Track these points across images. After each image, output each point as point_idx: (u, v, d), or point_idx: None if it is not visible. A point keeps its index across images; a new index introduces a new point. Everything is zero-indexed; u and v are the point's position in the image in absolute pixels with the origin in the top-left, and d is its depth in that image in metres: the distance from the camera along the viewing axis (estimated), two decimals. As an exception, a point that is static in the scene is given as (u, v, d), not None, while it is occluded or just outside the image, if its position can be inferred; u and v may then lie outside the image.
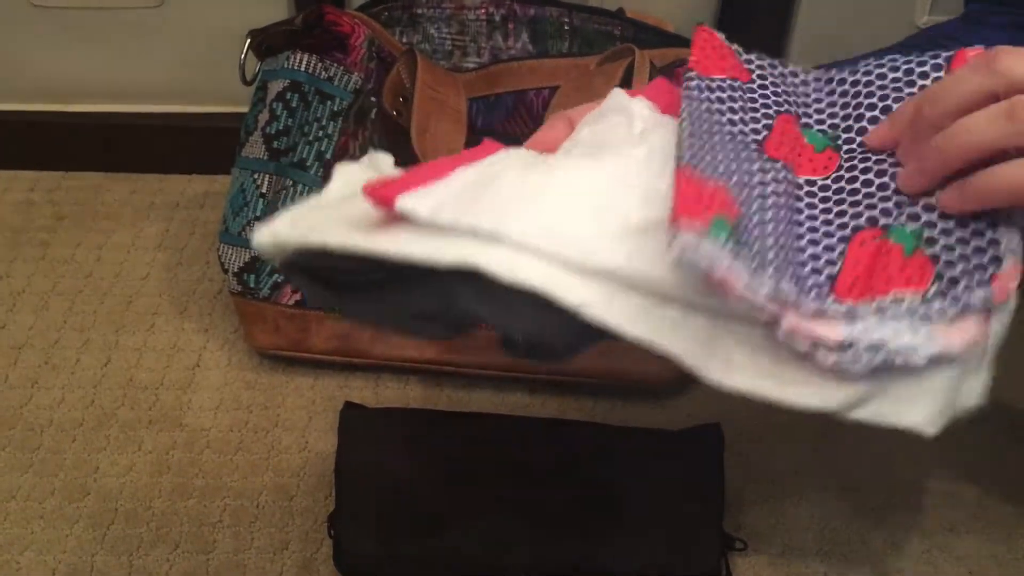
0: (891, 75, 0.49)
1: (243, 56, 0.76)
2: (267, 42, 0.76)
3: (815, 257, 0.45)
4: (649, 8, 0.85)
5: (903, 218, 0.45)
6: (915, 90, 0.48)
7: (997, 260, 0.43)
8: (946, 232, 0.44)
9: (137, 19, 0.91)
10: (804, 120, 0.50)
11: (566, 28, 0.83)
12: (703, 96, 0.48)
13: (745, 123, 0.49)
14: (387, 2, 0.83)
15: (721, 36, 0.52)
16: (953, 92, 0.43)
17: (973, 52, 0.48)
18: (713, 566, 0.64)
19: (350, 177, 0.51)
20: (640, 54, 0.74)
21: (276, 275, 0.75)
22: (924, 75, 0.48)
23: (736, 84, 0.50)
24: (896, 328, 0.42)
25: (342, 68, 0.76)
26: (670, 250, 0.42)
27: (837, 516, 0.70)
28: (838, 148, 0.49)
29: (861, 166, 0.48)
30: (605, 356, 0.75)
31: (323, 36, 0.76)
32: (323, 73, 0.76)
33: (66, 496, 0.70)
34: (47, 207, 0.94)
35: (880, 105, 0.49)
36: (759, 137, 0.49)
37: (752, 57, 0.52)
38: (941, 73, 0.48)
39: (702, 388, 0.79)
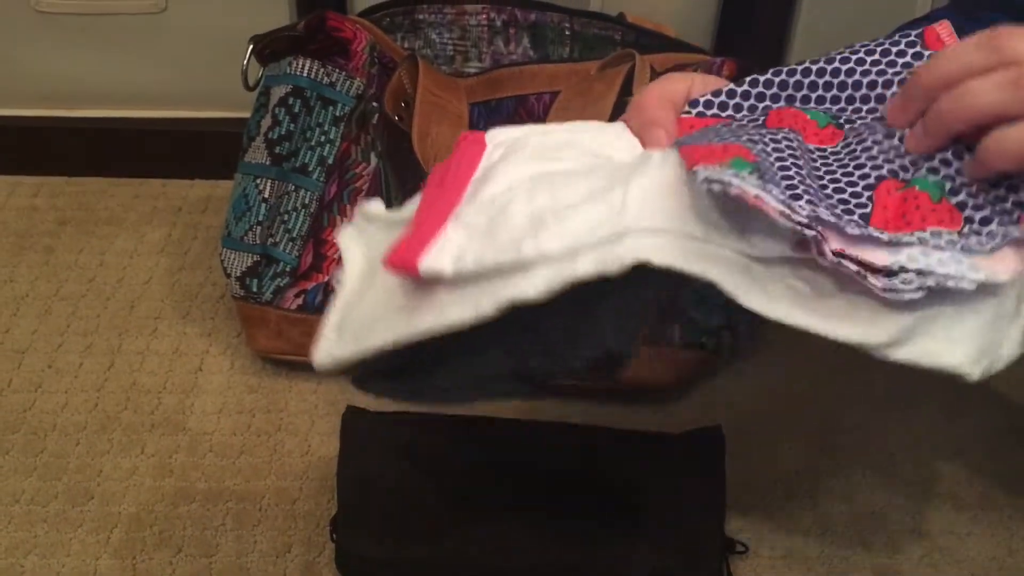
0: (869, 58, 0.50)
1: (245, 62, 0.76)
2: (269, 48, 0.77)
3: (843, 202, 0.45)
4: (650, 13, 0.85)
5: (923, 171, 0.46)
6: (898, 68, 0.49)
7: (1021, 204, 0.43)
8: (967, 184, 0.45)
9: (140, 25, 0.92)
10: (800, 104, 0.50)
11: (567, 33, 0.83)
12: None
13: (742, 121, 0.50)
14: (389, 8, 0.83)
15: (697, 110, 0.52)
16: (956, 62, 0.43)
17: (940, 27, 0.48)
18: (714, 569, 0.64)
19: (355, 249, 0.51)
20: (641, 59, 0.74)
21: (278, 279, 0.76)
22: (901, 53, 0.49)
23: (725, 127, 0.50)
24: (940, 257, 0.43)
25: (344, 73, 0.77)
26: (698, 188, 0.42)
27: (838, 519, 0.70)
28: (840, 126, 0.49)
29: (870, 137, 0.48)
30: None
31: (325, 42, 0.77)
32: (325, 78, 0.76)
33: (69, 500, 0.70)
34: (50, 212, 0.94)
35: (865, 82, 0.49)
36: (758, 122, 0.49)
37: (731, 103, 0.52)
38: (917, 48, 0.48)
39: (703, 391, 0.80)
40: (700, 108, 0.51)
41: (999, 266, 0.43)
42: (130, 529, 0.69)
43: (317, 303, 0.75)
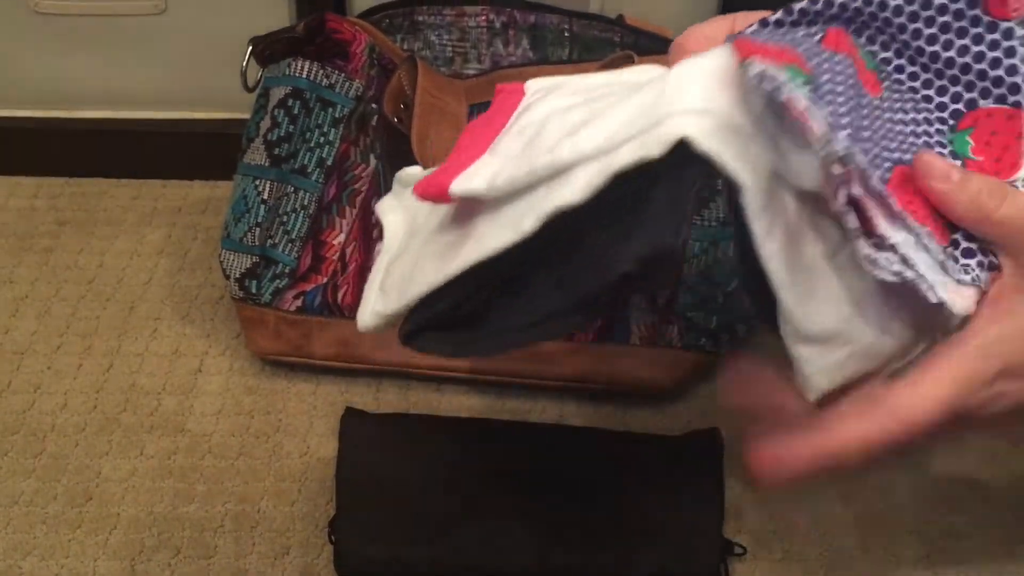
0: (924, 13, 0.46)
1: (245, 63, 0.76)
2: (269, 49, 0.77)
3: (875, 155, 0.44)
4: (649, 15, 0.85)
5: None
6: (951, 35, 0.45)
7: (995, 264, 0.43)
8: None
9: (139, 26, 0.92)
10: (855, 40, 0.47)
11: (566, 35, 0.83)
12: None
13: (797, 31, 0.46)
14: (388, 9, 0.83)
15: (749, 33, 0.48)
16: None
17: None
18: (713, 571, 0.65)
19: (393, 216, 0.50)
20: (639, 61, 0.74)
21: (277, 281, 0.76)
22: (960, 14, 0.45)
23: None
24: (926, 260, 0.42)
25: (343, 75, 0.77)
26: (748, 82, 0.39)
27: (837, 521, 0.70)
28: (881, 78, 0.47)
29: (900, 111, 0.46)
30: (605, 362, 0.75)
31: (324, 43, 0.77)
32: (324, 80, 0.76)
33: (68, 501, 0.70)
34: (50, 213, 0.94)
35: (919, 41, 0.46)
36: (815, 38, 0.46)
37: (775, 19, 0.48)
38: (977, 11, 0.45)
39: (702, 393, 0.80)
40: (756, 27, 0.48)
41: (960, 301, 0.43)
42: (129, 530, 0.69)
43: (316, 305, 0.75)
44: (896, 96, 0.47)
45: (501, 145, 0.44)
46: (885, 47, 0.48)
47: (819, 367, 0.45)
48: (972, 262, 0.44)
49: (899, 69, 0.48)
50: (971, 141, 0.46)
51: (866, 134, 0.44)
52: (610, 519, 0.65)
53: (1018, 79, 0.45)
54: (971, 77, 0.46)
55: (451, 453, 0.69)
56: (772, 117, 0.41)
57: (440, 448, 0.69)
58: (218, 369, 0.80)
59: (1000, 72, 0.45)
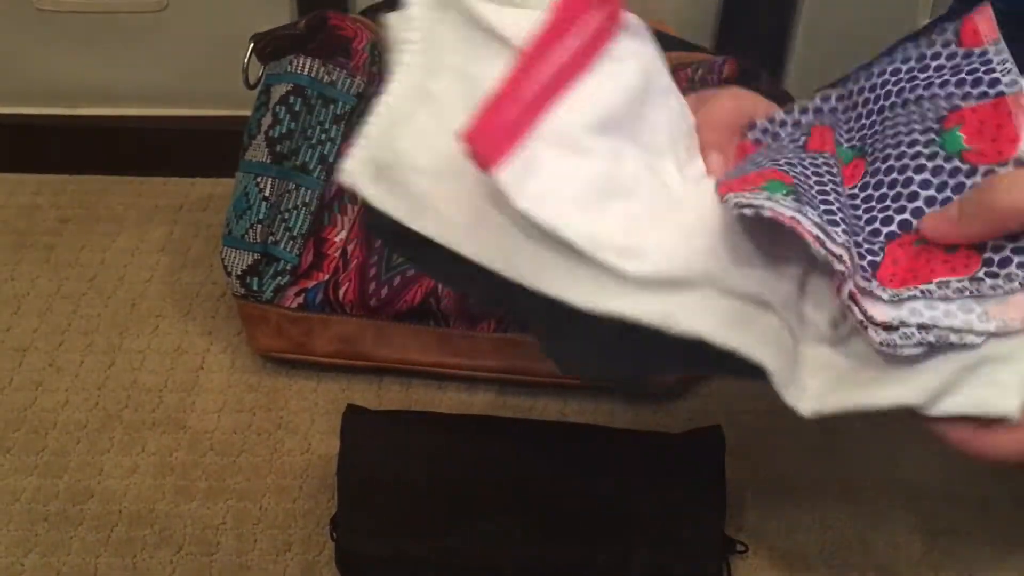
0: (904, 67, 0.48)
1: (246, 60, 0.76)
2: (270, 46, 0.77)
3: (857, 245, 0.44)
4: (649, 10, 0.85)
5: None
6: (930, 73, 0.47)
7: None
8: None
9: (140, 23, 0.92)
10: (836, 136, 0.50)
11: (568, 32, 0.83)
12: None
13: (784, 141, 0.49)
14: (390, 6, 0.83)
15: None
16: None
17: (979, 16, 0.46)
18: (714, 569, 0.65)
19: (413, 52, 0.45)
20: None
21: (279, 278, 0.76)
22: (936, 55, 0.47)
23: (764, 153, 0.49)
24: (946, 309, 0.42)
25: (345, 72, 0.77)
26: (727, 211, 0.40)
27: (838, 518, 0.70)
28: (864, 155, 0.48)
29: (887, 179, 0.46)
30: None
31: (326, 40, 0.77)
32: (326, 77, 0.76)
33: (70, 498, 0.70)
34: (51, 210, 0.94)
35: (900, 100, 0.48)
36: (799, 143, 0.48)
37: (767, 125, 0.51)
38: (953, 47, 0.47)
39: (703, 391, 0.80)
40: (757, 134, 0.50)
41: (1013, 312, 0.41)
42: (131, 527, 0.69)
43: (317, 302, 0.75)
44: (884, 168, 0.47)
45: (573, 139, 0.41)
46: (870, 116, 0.49)
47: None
48: (1012, 268, 0.42)
49: (884, 126, 0.48)
50: (962, 135, 0.45)
51: (853, 223, 0.44)
52: (611, 516, 0.65)
53: (996, 75, 0.45)
54: (947, 97, 0.46)
55: (452, 450, 0.68)
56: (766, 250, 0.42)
57: (441, 445, 0.69)
58: (219, 366, 0.80)
59: (979, 75, 0.45)
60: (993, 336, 0.41)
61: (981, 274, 0.42)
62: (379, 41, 0.79)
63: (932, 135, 0.46)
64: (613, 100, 0.43)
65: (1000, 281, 0.42)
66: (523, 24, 0.42)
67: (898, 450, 0.74)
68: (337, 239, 0.76)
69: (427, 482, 0.66)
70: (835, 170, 0.46)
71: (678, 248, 0.42)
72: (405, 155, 0.43)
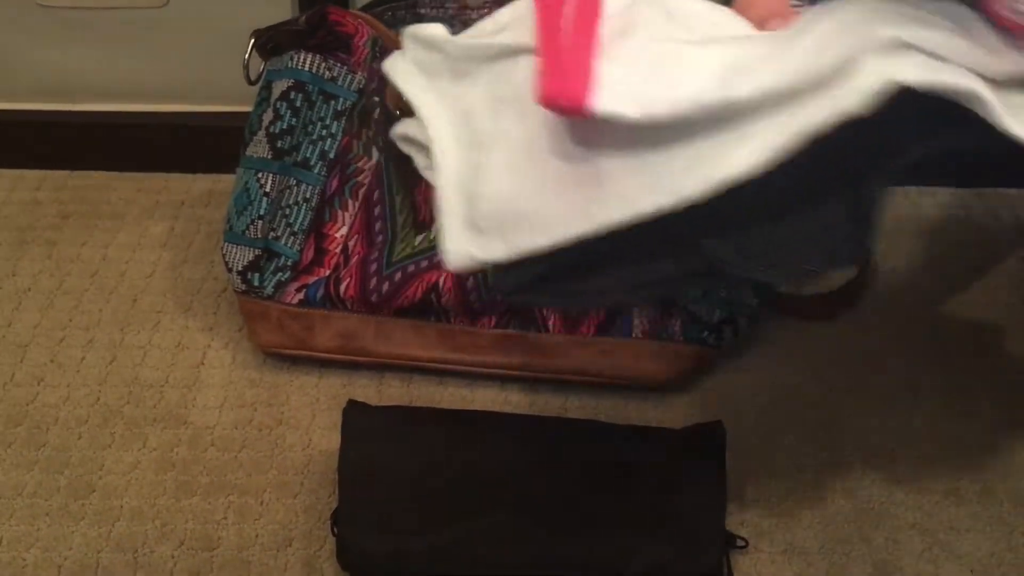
0: None
1: (247, 56, 0.76)
2: (271, 42, 0.77)
3: None
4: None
5: None
6: None
7: None
8: None
9: (142, 18, 0.92)
10: None
11: (569, 28, 0.83)
12: None
13: None
14: (390, 2, 0.83)
15: None
16: None
17: None
18: (715, 563, 0.65)
19: (429, 98, 0.42)
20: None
21: (280, 274, 0.76)
22: None
23: None
24: None
25: (346, 68, 0.77)
26: None
27: (838, 514, 0.70)
28: None
29: None
30: (607, 354, 0.75)
31: (327, 36, 0.77)
32: (327, 73, 0.76)
33: (72, 493, 0.71)
34: (53, 206, 0.94)
35: None
36: None
37: None
38: None
39: (704, 386, 0.80)
40: None
41: None
42: (132, 522, 0.69)
43: (318, 297, 0.75)
44: None
45: (624, 51, 0.38)
46: None
47: None
48: None
49: None
50: None
51: None
52: (612, 511, 0.65)
53: None
54: None
55: (453, 446, 0.69)
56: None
57: (442, 441, 0.69)
58: (220, 362, 0.80)
59: None
60: None
61: None
62: (379, 37, 0.79)
63: None
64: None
65: None
66: (518, 6, 0.41)
67: (898, 445, 0.74)
68: (338, 235, 0.76)
69: (428, 478, 0.67)
70: None
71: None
72: (480, 198, 0.42)
